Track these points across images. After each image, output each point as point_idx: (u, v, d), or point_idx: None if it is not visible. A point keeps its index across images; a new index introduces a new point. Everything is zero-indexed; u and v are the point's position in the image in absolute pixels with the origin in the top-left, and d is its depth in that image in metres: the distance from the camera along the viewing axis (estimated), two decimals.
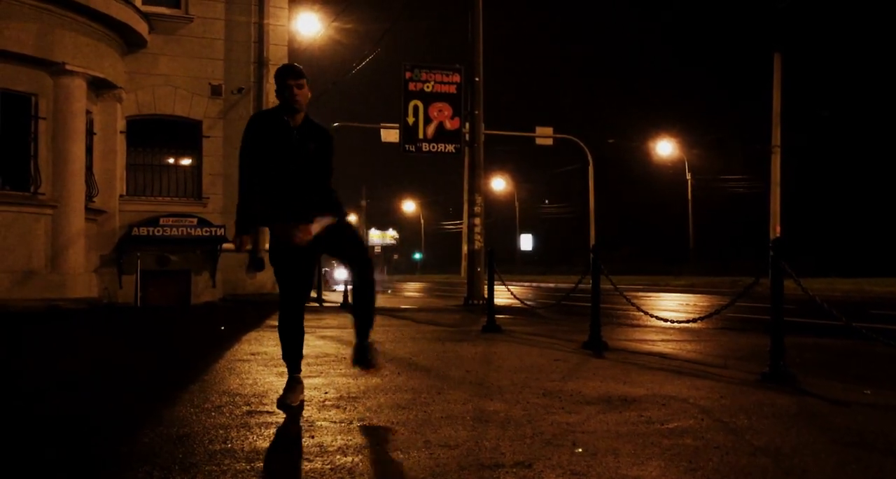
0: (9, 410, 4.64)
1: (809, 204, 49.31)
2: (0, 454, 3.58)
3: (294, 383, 4.52)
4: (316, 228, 4.41)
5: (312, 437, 3.84)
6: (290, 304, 4.51)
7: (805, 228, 45.29)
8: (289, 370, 4.59)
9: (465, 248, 31.21)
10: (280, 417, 4.27)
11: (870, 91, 50.47)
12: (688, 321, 7.68)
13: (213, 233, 15.34)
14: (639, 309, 7.62)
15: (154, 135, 15.91)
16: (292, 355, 4.56)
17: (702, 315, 7.25)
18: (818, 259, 39.70)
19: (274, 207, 4.42)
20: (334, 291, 27.23)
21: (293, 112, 4.42)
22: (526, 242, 69.45)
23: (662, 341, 8.63)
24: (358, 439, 3.76)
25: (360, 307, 4.57)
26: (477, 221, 16.68)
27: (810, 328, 10.33)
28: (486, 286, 10.56)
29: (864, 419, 4.27)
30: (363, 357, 4.54)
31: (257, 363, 6.42)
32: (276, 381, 5.41)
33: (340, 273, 35.54)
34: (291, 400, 4.43)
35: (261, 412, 4.38)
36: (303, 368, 4.68)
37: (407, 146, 17.14)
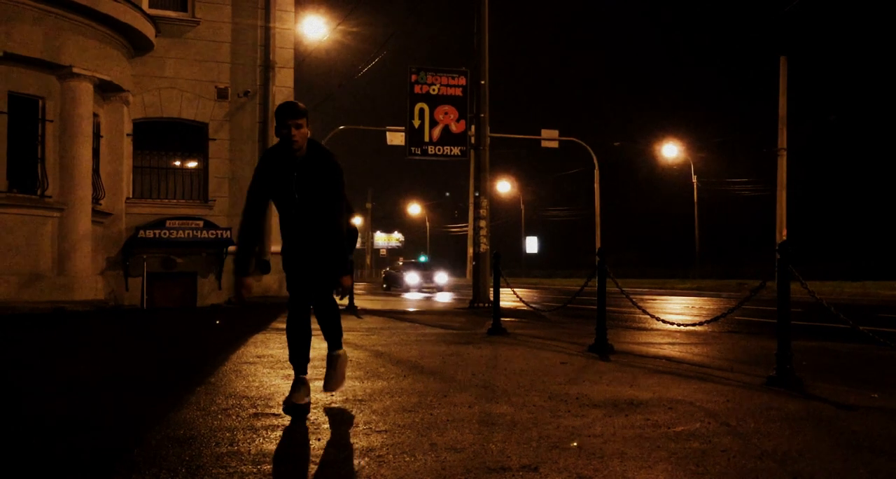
0: (15, 411, 4.65)
1: (816, 207, 49.25)
2: (8, 454, 3.59)
3: (300, 385, 4.53)
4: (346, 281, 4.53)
5: (318, 439, 3.85)
6: (296, 306, 4.66)
7: (812, 231, 45.24)
8: (295, 372, 4.62)
9: (470, 250, 31.19)
10: (286, 419, 4.28)
11: (876, 94, 50.39)
12: (694, 325, 7.68)
13: (219, 235, 15.37)
14: (644, 312, 7.60)
15: (160, 137, 15.95)
16: (299, 357, 4.60)
17: (708, 318, 7.24)
18: (825, 262, 39.60)
19: (288, 242, 4.66)
20: (402, 297, 25.71)
21: (291, 151, 4.44)
22: (531, 244, 69.37)
23: (668, 344, 8.61)
24: (364, 441, 3.76)
25: (324, 329, 4.79)
26: (482, 223, 16.67)
27: (817, 332, 10.30)
28: (491, 289, 10.55)
29: (871, 422, 4.26)
30: (328, 372, 4.73)
31: (263, 366, 6.43)
32: (282, 383, 5.42)
33: (412, 278, 33.26)
34: (298, 403, 4.43)
35: (267, 415, 4.39)
36: (308, 370, 4.69)
37: (413, 149, 17.12)
